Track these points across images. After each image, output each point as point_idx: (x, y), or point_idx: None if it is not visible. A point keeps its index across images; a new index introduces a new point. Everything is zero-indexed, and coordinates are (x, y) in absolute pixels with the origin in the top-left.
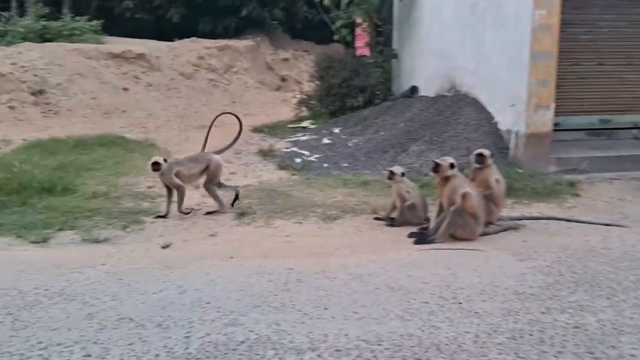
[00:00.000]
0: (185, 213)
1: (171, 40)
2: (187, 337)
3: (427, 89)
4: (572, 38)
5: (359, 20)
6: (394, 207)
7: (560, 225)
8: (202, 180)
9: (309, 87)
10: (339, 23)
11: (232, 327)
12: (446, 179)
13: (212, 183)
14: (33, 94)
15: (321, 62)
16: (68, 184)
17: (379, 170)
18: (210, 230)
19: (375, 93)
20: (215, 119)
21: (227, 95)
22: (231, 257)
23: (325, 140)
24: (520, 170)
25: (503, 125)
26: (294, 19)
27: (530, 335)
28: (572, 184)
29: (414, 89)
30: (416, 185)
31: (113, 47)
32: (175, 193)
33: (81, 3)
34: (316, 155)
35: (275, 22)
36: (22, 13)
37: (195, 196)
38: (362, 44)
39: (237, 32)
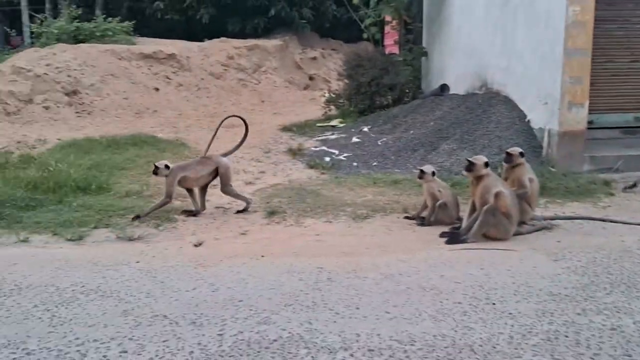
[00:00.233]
0: (138, 217)
1: (201, 40)
2: (221, 334)
3: (457, 87)
4: (606, 34)
5: (388, 18)
6: (425, 207)
7: (595, 225)
8: (209, 181)
9: (337, 85)
10: (368, 21)
11: (264, 325)
12: (479, 178)
13: (228, 185)
14: (67, 94)
15: (350, 60)
16: (102, 183)
17: (409, 169)
18: (240, 229)
19: (405, 91)
20: (222, 122)
21: (256, 95)
22: (262, 256)
23: (355, 139)
24: (553, 169)
25: (536, 124)
26: (323, 18)
27: (566, 336)
28: (606, 183)
29: (444, 87)
30: (447, 185)
31: (144, 47)
32: (196, 191)
33: (113, 4)
34: (345, 154)
35: (304, 21)
36: (55, 15)
37: (225, 195)
38: (391, 42)
39: (265, 32)
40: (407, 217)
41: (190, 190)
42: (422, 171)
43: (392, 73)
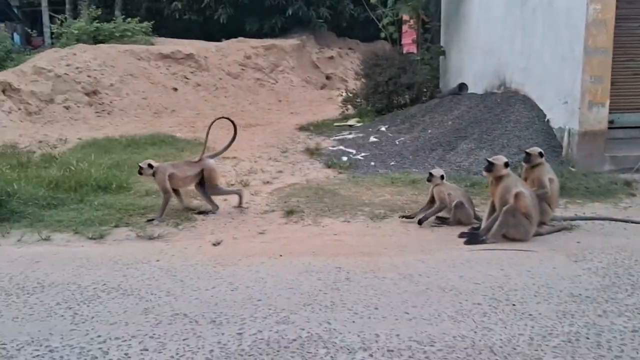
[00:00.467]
0: (152, 220)
1: (218, 40)
2: (240, 333)
3: (475, 86)
4: (627, 33)
5: (405, 17)
6: (427, 207)
7: (616, 226)
8: (195, 182)
9: (354, 85)
10: (385, 20)
11: (283, 324)
12: (499, 178)
13: (215, 187)
14: (87, 94)
15: (368, 59)
16: (122, 182)
17: (427, 168)
18: (258, 228)
19: (423, 90)
20: (212, 124)
21: (273, 94)
22: (280, 255)
23: (372, 139)
24: (573, 169)
25: (555, 123)
26: (340, 17)
27: (587, 338)
28: (628, 184)
29: (462, 86)
30: (456, 186)
31: (163, 47)
32: (181, 192)
33: (132, 5)
34: (363, 154)
35: (321, 20)
36: (75, 15)
37: (244, 194)
38: (408, 41)
39: (283, 32)
40: (404, 217)
41: (176, 191)
42: (430, 174)
43: (410, 72)
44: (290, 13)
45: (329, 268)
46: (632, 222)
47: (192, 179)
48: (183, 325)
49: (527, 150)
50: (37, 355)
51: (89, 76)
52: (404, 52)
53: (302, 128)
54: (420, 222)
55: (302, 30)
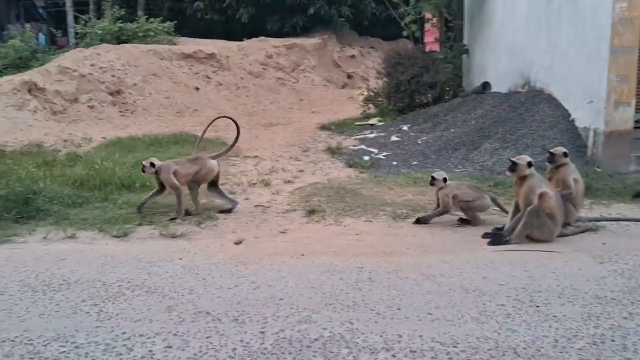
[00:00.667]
0: (174, 219)
1: (240, 39)
2: (262, 332)
3: (499, 85)
4: None
5: (428, 15)
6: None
7: None
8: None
9: (376, 84)
10: (408, 19)
11: (305, 324)
12: (523, 179)
13: (197, 184)
14: (111, 93)
15: (390, 58)
16: (146, 181)
17: (450, 168)
18: (280, 227)
19: (445, 89)
20: (211, 123)
21: (295, 94)
22: (302, 255)
23: (394, 138)
24: (598, 170)
25: (580, 123)
26: (361, 16)
27: (612, 340)
28: None
29: (485, 85)
30: (457, 182)
31: (185, 47)
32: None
33: (155, 5)
34: (385, 153)
35: (342, 19)
36: (99, 15)
37: (265, 193)
38: (431, 40)
39: (304, 31)
40: (417, 221)
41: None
42: (433, 178)
43: (433, 71)
44: (312, 12)
45: (351, 268)
46: None
47: (193, 177)
48: (206, 323)
49: (551, 150)
50: (63, 352)
51: (112, 76)
52: (427, 50)
53: (323, 127)
54: (418, 222)
55: (324, 29)
